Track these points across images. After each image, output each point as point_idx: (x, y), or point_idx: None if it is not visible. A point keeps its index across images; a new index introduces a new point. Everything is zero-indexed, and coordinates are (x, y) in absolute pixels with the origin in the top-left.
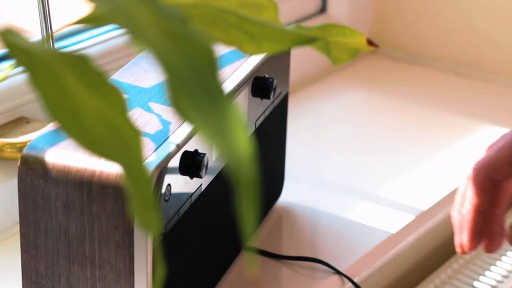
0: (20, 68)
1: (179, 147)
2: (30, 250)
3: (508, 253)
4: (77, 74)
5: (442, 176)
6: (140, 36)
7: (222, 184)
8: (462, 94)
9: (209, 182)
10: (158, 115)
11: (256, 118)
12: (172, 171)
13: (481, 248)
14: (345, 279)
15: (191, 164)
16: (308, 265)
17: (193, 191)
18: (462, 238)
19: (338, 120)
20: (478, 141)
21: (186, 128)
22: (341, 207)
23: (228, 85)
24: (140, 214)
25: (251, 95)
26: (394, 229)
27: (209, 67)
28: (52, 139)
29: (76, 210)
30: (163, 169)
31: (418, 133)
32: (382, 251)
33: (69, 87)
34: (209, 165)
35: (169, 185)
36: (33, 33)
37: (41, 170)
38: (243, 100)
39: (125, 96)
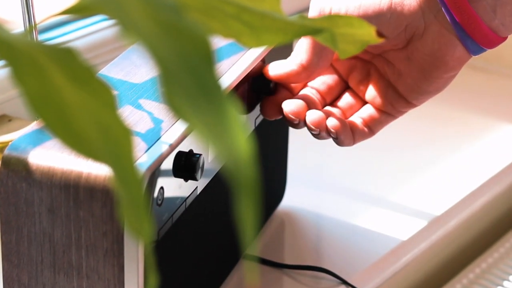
0: (1, 62)
1: (172, 147)
2: (12, 258)
3: None
4: (62, 69)
5: (457, 178)
6: (130, 28)
7: (219, 187)
8: (478, 89)
9: (205, 185)
10: (150, 113)
11: (256, 116)
12: (165, 173)
13: (498, 259)
14: None
15: (186, 165)
16: (312, 274)
17: (188, 194)
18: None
19: None
20: (495, 141)
21: (180, 127)
22: (348, 212)
23: (225, 81)
24: (131, 220)
25: (250, 91)
26: (405, 236)
27: (205, 61)
28: (36, 139)
29: (61, 215)
30: (155, 171)
31: (431, 131)
32: (392, 260)
33: (54, 82)
34: (205, 166)
35: (161, 188)
36: (15, 24)
37: (24, 172)
38: (242, 96)
39: (115, 92)
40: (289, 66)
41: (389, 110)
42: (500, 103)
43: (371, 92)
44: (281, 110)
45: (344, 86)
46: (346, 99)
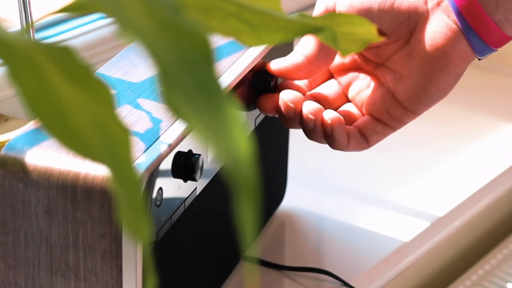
0: None
1: (171, 147)
2: (9, 260)
3: None
4: (60, 68)
5: (460, 179)
6: (129, 26)
7: (218, 188)
8: (482, 89)
9: (204, 185)
10: (148, 113)
11: (256, 115)
12: (163, 173)
13: (501, 261)
14: None
15: (185, 166)
16: (313, 276)
17: (187, 195)
18: None
19: None
20: (499, 141)
21: (179, 127)
22: (349, 213)
23: (225, 80)
24: (129, 221)
25: (250, 90)
26: (407, 237)
27: (204, 60)
28: (33, 139)
29: (59, 216)
30: (154, 171)
31: (434, 131)
32: (394, 262)
33: (52, 81)
34: (204, 167)
35: (160, 189)
36: (12, 22)
37: (21, 173)
38: (241, 96)
39: (113, 91)
40: (292, 59)
41: (386, 119)
42: (504, 102)
43: (368, 101)
44: (277, 106)
45: (345, 100)
46: (345, 109)
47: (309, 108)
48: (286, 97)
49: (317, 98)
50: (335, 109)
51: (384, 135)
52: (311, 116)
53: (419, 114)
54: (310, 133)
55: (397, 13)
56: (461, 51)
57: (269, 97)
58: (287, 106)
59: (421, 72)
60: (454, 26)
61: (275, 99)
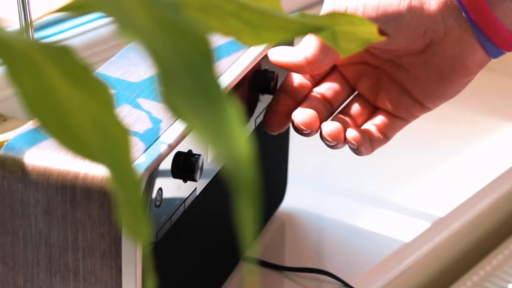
0: None
1: (171, 147)
2: (8, 261)
3: None
4: (59, 67)
5: (461, 179)
6: (128, 26)
7: (218, 188)
8: (484, 89)
9: (204, 186)
10: (148, 112)
11: (256, 115)
12: (163, 173)
13: (503, 261)
14: None
15: (185, 166)
16: (313, 277)
17: (187, 195)
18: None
19: None
20: (500, 141)
21: (178, 127)
22: (350, 213)
23: (225, 79)
24: (129, 221)
25: (250, 90)
26: (408, 238)
27: (204, 60)
28: (32, 139)
29: (58, 217)
30: (153, 171)
31: (435, 131)
32: (394, 262)
33: (51, 81)
34: (204, 167)
35: (160, 189)
36: (11, 22)
37: (20, 173)
38: (241, 95)
39: (112, 91)
40: (293, 57)
41: (403, 115)
42: (506, 103)
43: (384, 98)
44: (285, 122)
45: (350, 92)
46: (355, 105)
47: (328, 129)
48: (298, 118)
49: (326, 98)
50: (342, 103)
51: (401, 128)
52: (331, 139)
53: (435, 108)
54: (330, 147)
55: (413, 27)
56: (480, 61)
57: (275, 114)
58: (302, 130)
59: (439, 79)
60: (473, 40)
61: (281, 114)
